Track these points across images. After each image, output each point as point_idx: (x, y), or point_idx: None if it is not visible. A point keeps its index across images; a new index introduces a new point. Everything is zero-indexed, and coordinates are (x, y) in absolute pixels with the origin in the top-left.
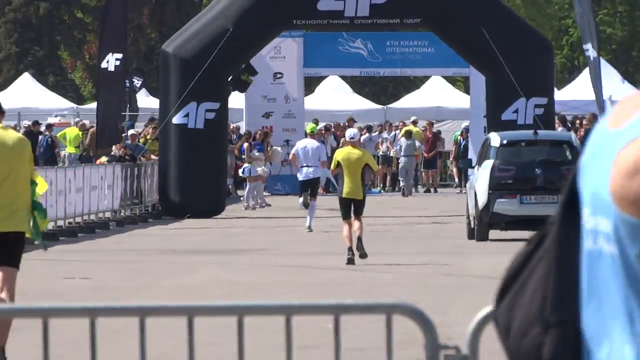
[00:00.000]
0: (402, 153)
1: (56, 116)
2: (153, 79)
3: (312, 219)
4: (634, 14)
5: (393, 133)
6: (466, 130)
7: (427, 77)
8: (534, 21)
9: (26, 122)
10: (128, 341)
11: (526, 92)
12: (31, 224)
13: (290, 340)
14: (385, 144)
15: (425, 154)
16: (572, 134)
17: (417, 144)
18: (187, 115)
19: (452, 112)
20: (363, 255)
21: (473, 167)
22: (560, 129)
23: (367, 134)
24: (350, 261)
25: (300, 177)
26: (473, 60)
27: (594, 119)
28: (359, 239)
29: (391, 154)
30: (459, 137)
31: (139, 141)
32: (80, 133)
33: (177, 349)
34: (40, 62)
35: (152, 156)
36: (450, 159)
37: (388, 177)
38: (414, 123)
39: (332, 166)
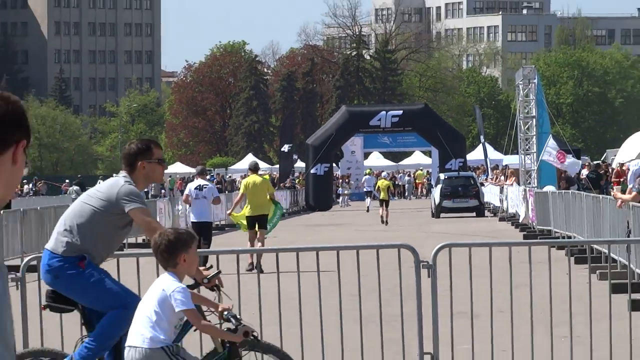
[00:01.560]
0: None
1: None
2: (300, 155)
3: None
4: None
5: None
6: (429, 172)
7: (413, 151)
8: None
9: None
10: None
11: (454, 155)
12: (271, 215)
13: (339, 269)
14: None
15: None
16: (473, 173)
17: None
18: (316, 169)
19: (425, 165)
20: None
21: (434, 187)
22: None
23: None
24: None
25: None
26: (434, 144)
27: (502, 170)
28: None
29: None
30: (425, 175)
31: (295, 180)
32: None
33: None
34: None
35: (300, 186)
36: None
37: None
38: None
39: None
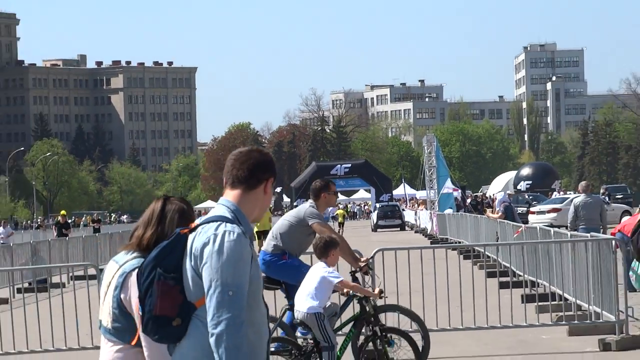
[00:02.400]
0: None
1: None
2: (286, 193)
3: None
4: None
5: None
6: (368, 203)
7: (358, 190)
8: (386, 171)
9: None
10: None
11: (385, 192)
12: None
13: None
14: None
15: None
16: (397, 203)
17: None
18: (297, 202)
19: (367, 198)
20: None
21: (372, 212)
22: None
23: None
24: None
25: None
26: (371, 184)
27: (416, 200)
28: None
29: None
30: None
31: (284, 209)
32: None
33: None
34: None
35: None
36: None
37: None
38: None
39: None
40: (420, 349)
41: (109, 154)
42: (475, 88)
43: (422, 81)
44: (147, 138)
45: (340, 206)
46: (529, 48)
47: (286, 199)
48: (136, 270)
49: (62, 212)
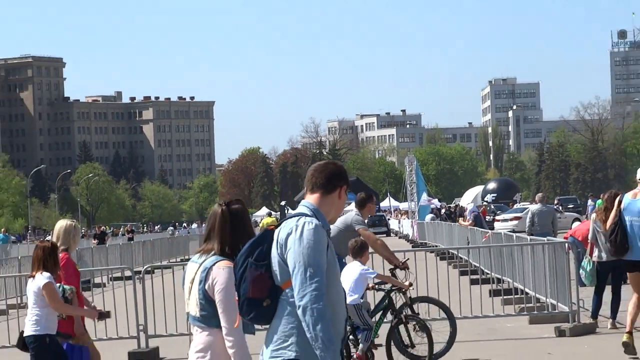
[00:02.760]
0: None
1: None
2: (291, 206)
3: None
4: None
5: None
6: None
7: (350, 203)
8: (374, 186)
9: None
10: None
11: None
12: None
13: None
14: None
15: None
16: (384, 213)
17: None
18: None
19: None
20: None
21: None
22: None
23: None
24: None
25: None
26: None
27: (399, 211)
28: None
29: None
30: None
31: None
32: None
33: None
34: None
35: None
36: None
37: None
38: None
39: None
40: (449, 334)
41: (141, 175)
42: (449, 116)
43: (403, 110)
44: (173, 161)
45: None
46: (493, 82)
47: (291, 211)
48: (216, 264)
49: (102, 227)
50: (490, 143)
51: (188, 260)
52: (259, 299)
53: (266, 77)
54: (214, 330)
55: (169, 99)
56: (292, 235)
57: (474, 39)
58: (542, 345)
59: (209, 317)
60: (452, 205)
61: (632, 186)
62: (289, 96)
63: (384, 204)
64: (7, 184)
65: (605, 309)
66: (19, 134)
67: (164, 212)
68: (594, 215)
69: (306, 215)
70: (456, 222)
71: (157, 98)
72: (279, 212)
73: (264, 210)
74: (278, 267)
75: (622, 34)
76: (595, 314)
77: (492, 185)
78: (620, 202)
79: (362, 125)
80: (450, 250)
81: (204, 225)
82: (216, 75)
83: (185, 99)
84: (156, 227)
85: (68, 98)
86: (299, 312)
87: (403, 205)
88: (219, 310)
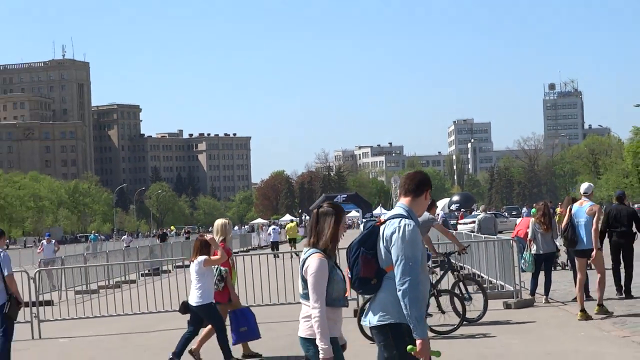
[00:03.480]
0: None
1: None
2: (308, 214)
3: None
4: None
5: None
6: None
7: (350, 211)
8: (369, 199)
9: None
10: None
11: (368, 211)
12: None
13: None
14: None
15: None
16: (376, 218)
17: None
18: None
19: (356, 216)
20: None
21: (361, 225)
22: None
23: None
24: None
25: None
26: (359, 207)
27: None
28: None
29: None
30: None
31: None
32: None
33: None
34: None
35: None
36: None
37: None
38: None
39: None
40: (483, 303)
41: (197, 191)
42: (424, 147)
43: (390, 143)
44: (220, 181)
45: (294, 221)
46: (456, 122)
47: (307, 218)
48: (311, 255)
49: (172, 227)
50: (455, 167)
51: (235, 253)
52: (368, 278)
53: (288, 116)
54: (309, 303)
55: (217, 135)
56: (396, 234)
57: (443, 87)
58: (495, 315)
59: (305, 292)
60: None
61: (560, 199)
62: (305, 131)
63: (376, 211)
64: (98, 197)
65: (540, 289)
66: (107, 161)
67: (214, 218)
68: (533, 219)
69: (404, 216)
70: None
71: (208, 134)
72: (297, 218)
73: (287, 216)
74: (383, 255)
75: (552, 86)
76: (532, 292)
77: (455, 198)
78: (571, 209)
79: (359, 154)
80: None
81: (243, 227)
82: (251, 114)
83: (229, 134)
84: (209, 229)
85: (143, 135)
86: (399, 294)
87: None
88: (309, 289)
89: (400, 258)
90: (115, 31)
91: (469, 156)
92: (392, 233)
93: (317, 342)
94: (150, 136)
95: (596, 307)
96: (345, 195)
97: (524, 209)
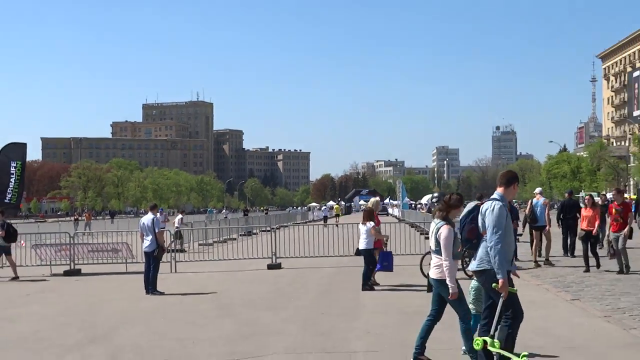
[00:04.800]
0: None
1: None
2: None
3: None
4: None
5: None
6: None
7: (369, 200)
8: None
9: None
10: None
11: (381, 200)
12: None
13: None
14: None
15: None
16: (386, 205)
17: None
18: (345, 207)
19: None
20: None
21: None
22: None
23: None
24: None
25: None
26: (376, 197)
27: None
28: None
29: None
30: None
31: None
32: None
33: None
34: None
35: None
36: None
37: None
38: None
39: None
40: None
41: (276, 185)
42: (417, 161)
43: (396, 158)
44: (290, 179)
45: (338, 205)
46: (437, 147)
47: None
48: (443, 225)
49: (262, 207)
50: (435, 175)
51: (298, 223)
52: (471, 239)
53: (335, 135)
54: (440, 256)
55: (290, 150)
56: (489, 210)
57: (431, 122)
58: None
59: (438, 250)
60: (416, 203)
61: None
62: (344, 147)
63: (386, 201)
64: (215, 186)
65: None
66: (221, 164)
67: (287, 202)
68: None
69: (496, 199)
70: (418, 210)
71: (284, 150)
72: (337, 204)
73: (331, 202)
74: (480, 224)
75: (497, 127)
76: None
77: (435, 194)
78: (532, 202)
79: (377, 164)
80: (415, 223)
81: (304, 207)
82: (312, 133)
83: (297, 150)
84: (284, 209)
85: (244, 148)
86: (489, 250)
87: (395, 203)
88: (441, 247)
89: (491, 226)
90: (229, 82)
91: (445, 169)
92: (486, 209)
93: (447, 282)
94: (249, 150)
95: (544, 261)
96: (367, 190)
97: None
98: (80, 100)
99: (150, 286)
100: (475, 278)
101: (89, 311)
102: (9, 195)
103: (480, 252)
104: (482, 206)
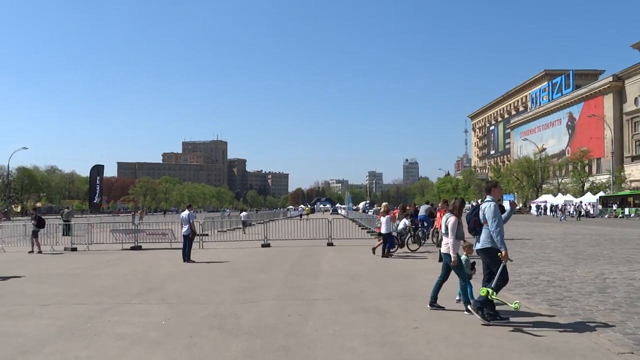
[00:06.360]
0: None
1: None
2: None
3: None
4: None
5: None
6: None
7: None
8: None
9: None
10: None
11: (333, 206)
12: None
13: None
14: None
15: None
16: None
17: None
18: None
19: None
20: None
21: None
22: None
23: None
24: None
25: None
26: (331, 204)
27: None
28: None
29: None
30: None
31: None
32: None
33: None
34: None
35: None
36: None
37: None
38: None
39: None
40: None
41: (267, 194)
42: (391, 176)
43: (343, 178)
44: (276, 190)
45: (308, 207)
46: (407, 159)
47: (309, 206)
48: (450, 216)
49: (256, 208)
50: (367, 189)
51: (280, 219)
52: (475, 228)
53: (302, 162)
54: (448, 237)
55: (276, 172)
56: (487, 208)
57: (364, 155)
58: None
59: (446, 232)
60: (356, 207)
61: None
62: (307, 171)
63: (337, 205)
64: (227, 195)
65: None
66: (232, 180)
67: (273, 205)
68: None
69: (490, 200)
70: (356, 212)
71: (272, 172)
72: (306, 207)
73: (302, 206)
74: (481, 217)
75: (407, 160)
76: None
77: (367, 202)
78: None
79: (330, 181)
80: (355, 219)
81: (284, 209)
82: (289, 160)
83: (281, 172)
84: (272, 209)
85: (247, 171)
86: (492, 232)
87: (343, 206)
88: (449, 231)
89: (491, 218)
90: (238, 127)
91: (373, 185)
92: (485, 207)
93: (451, 254)
94: (250, 171)
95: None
96: (325, 198)
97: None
98: (143, 136)
99: (186, 257)
100: (480, 255)
101: (146, 272)
102: (96, 199)
103: (483, 235)
104: (481, 205)
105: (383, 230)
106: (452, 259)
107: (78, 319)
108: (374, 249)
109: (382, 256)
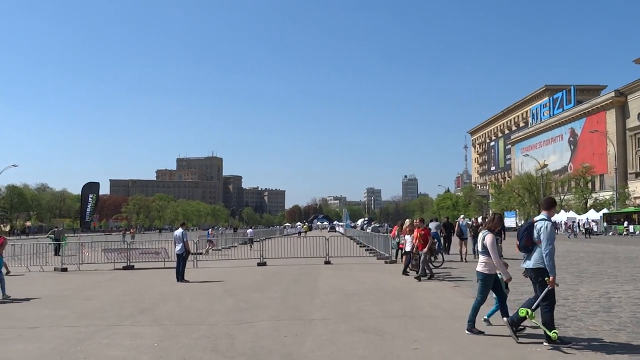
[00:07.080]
0: None
1: None
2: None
3: None
4: None
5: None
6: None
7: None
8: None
9: None
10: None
11: (331, 223)
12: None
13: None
14: None
15: None
16: (336, 226)
17: None
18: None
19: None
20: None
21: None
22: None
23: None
24: None
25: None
26: (329, 221)
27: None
28: None
29: None
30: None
31: None
32: None
33: None
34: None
35: None
36: None
37: None
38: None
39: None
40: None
41: (263, 211)
42: (389, 193)
43: (340, 195)
44: (273, 208)
45: (306, 224)
46: (405, 176)
47: (307, 224)
48: (487, 234)
49: (253, 226)
50: (366, 206)
51: (277, 236)
52: (528, 246)
53: (299, 179)
54: (486, 256)
55: (272, 188)
56: (543, 227)
57: (363, 172)
58: (380, 265)
59: (484, 251)
60: (354, 224)
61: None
62: (304, 187)
63: (335, 223)
64: (222, 212)
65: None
66: (228, 198)
67: (270, 223)
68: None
69: (546, 220)
70: (354, 229)
71: (268, 188)
72: (304, 224)
73: (299, 223)
74: (536, 236)
75: (405, 176)
76: (395, 258)
77: (365, 219)
78: (458, 223)
79: (327, 198)
80: (353, 237)
81: (281, 226)
82: (286, 177)
83: (277, 189)
84: (268, 227)
85: (242, 187)
86: (544, 254)
87: (341, 224)
88: (488, 249)
89: (545, 240)
90: (233, 143)
91: (372, 202)
92: (541, 227)
93: (502, 276)
94: (246, 188)
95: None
96: (322, 215)
97: (396, 226)
98: (135, 153)
99: (180, 276)
100: (531, 274)
101: (139, 293)
102: (88, 217)
103: (536, 255)
104: (536, 224)
105: (408, 249)
106: (505, 277)
107: (67, 341)
108: (404, 272)
109: (403, 273)
